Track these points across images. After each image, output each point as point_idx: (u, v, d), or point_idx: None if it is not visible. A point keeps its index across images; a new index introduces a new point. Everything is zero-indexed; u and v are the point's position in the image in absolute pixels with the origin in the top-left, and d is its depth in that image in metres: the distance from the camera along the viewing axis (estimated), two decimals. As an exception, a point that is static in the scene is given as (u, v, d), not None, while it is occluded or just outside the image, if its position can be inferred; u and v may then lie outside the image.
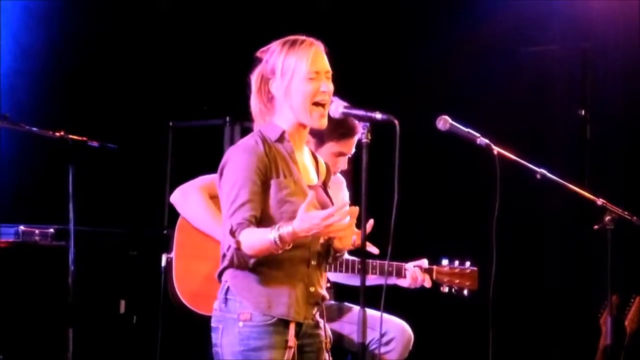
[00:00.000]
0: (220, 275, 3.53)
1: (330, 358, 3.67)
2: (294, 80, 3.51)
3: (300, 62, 3.51)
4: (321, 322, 3.63)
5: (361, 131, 3.54)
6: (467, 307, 6.02)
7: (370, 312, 3.50)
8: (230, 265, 3.45)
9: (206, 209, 4.34)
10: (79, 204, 5.34)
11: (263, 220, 3.45)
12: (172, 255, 4.52)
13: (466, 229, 6.42)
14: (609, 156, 6.74)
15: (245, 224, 3.40)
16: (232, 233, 3.40)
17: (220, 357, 3.51)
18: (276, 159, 3.51)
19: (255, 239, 3.38)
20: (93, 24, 6.81)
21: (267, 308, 3.45)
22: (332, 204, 3.63)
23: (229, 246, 3.41)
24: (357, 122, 4.25)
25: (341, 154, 4.64)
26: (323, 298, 3.60)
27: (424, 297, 5.29)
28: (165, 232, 5.99)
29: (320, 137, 4.50)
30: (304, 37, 3.58)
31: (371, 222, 3.55)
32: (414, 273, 4.64)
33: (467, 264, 4.74)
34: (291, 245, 3.38)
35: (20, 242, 5.53)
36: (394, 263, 4.61)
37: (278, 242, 3.34)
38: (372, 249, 4.11)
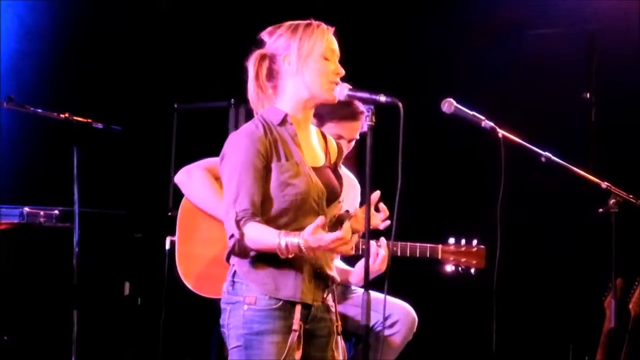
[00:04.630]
0: (228, 257, 3.54)
1: (342, 341, 3.68)
2: (309, 59, 3.54)
3: (319, 42, 3.55)
4: (332, 306, 3.63)
5: (366, 114, 3.53)
6: (470, 290, 6.03)
7: (374, 294, 3.49)
8: (233, 252, 3.47)
9: (210, 189, 4.30)
10: (84, 186, 5.34)
11: (265, 203, 3.45)
12: (176, 238, 4.49)
13: (471, 213, 6.41)
14: (614, 139, 6.73)
15: (249, 213, 3.40)
16: (238, 223, 3.40)
17: (226, 338, 3.52)
18: (277, 142, 3.50)
19: (261, 238, 3.40)
20: (98, 5, 6.80)
21: (274, 290, 3.46)
22: (340, 185, 3.64)
23: (232, 235, 3.42)
24: (361, 107, 4.23)
25: (340, 137, 4.53)
26: (333, 280, 3.60)
27: (428, 279, 5.30)
28: (169, 214, 6.01)
29: (320, 117, 4.43)
30: (316, 22, 3.60)
31: (377, 193, 3.53)
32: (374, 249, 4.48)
33: (475, 242, 4.73)
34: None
35: (25, 223, 5.53)
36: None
37: (283, 250, 3.36)
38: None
